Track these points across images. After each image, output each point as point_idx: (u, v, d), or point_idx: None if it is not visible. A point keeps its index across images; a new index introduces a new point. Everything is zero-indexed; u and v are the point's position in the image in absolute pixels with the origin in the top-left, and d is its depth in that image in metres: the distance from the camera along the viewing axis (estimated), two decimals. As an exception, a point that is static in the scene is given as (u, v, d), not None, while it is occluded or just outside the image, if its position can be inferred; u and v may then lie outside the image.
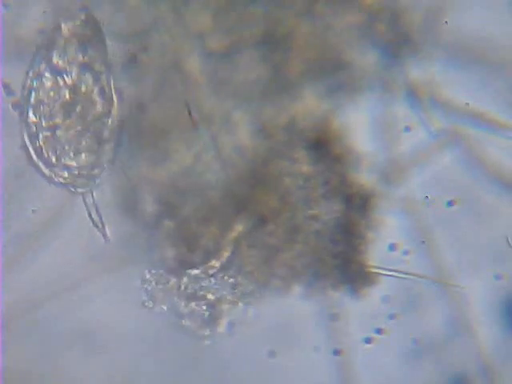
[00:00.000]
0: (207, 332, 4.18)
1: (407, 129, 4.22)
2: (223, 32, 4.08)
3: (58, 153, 4.15)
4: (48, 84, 4.16)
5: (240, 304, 4.17)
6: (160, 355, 4.23)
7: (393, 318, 4.24)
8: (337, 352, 4.24)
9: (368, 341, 4.24)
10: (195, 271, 4.17)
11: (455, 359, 4.23)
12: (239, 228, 4.14)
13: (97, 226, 4.14)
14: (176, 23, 4.07)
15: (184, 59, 4.08)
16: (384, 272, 4.18)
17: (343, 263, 4.17)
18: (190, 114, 4.08)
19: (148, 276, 4.19)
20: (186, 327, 4.19)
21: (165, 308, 4.20)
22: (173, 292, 4.19)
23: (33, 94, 4.16)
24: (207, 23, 4.07)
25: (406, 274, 4.19)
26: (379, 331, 4.24)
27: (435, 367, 4.24)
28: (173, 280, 4.19)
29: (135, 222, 4.15)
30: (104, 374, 4.26)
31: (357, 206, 4.17)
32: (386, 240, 4.21)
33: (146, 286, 4.20)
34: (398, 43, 4.15)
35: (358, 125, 4.17)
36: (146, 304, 4.20)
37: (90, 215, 4.15)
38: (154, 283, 4.18)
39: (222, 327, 4.18)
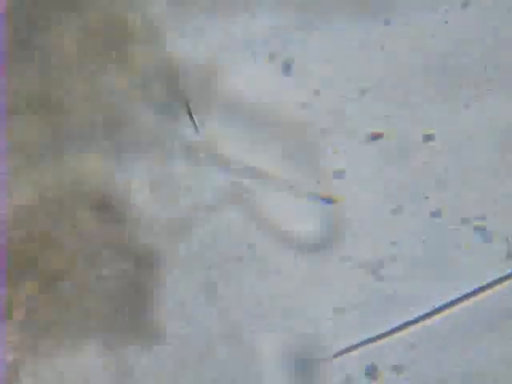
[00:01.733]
0: None
1: (188, 188, 4.23)
2: None
3: None
4: None
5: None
6: None
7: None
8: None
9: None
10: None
11: None
12: (30, 286, 4.08)
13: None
14: None
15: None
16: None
17: (134, 321, 4.11)
18: (190, 115, 4.15)
19: None
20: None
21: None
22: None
23: None
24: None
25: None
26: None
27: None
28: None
29: None
30: None
31: (144, 264, 4.13)
32: (175, 296, 4.17)
33: None
34: (174, 103, 4.25)
35: (140, 185, 4.21)
36: None
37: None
38: None
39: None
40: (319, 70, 4.31)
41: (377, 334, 4.10)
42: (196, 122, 4.21)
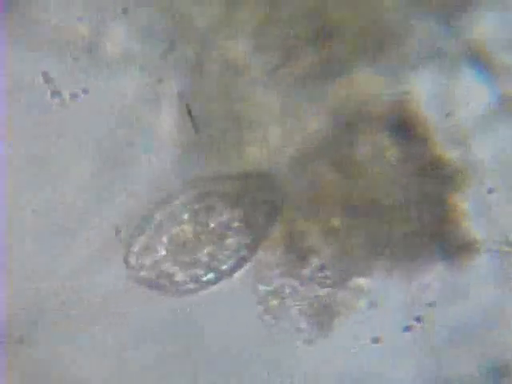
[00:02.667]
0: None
1: (466, 101, 4.12)
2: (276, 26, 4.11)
3: None
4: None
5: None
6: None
7: (432, 306, 4.13)
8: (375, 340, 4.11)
9: (406, 329, 4.12)
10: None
11: (497, 347, 4.12)
12: (335, 220, 4.06)
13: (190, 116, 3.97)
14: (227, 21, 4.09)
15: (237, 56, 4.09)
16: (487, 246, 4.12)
17: (443, 239, 4.11)
18: (190, 115, 4.01)
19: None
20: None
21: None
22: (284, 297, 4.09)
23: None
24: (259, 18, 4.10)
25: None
26: (418, 319, 4.12)
27: (474, 356, 4.12)
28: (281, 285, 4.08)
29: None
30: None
31: (449, 180, 4.11)
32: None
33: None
34: (450, 8, 4.12)
35: (426, 98, 4.10)
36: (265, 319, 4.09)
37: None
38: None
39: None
40: None
41: None
42: (195, 122, 4.03)
